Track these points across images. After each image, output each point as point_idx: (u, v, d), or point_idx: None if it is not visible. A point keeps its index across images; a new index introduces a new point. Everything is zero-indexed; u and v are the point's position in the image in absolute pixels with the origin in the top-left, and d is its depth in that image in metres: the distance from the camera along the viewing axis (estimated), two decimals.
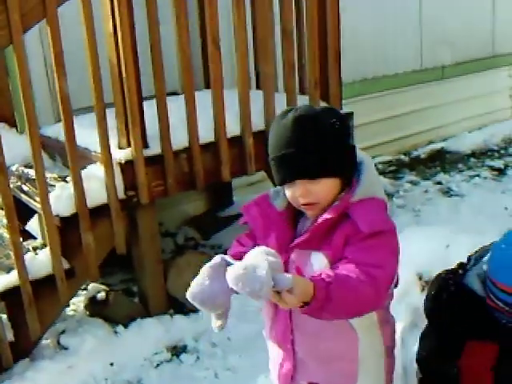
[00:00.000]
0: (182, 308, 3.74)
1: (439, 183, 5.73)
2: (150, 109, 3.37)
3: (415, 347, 2.69)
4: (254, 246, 1.85)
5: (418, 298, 2.84)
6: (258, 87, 4.29)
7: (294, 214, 1.88)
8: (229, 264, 1.63)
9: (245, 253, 1.69)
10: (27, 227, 3.79)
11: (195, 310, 3.73)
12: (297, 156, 1.72)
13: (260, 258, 1.55)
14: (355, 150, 1.83)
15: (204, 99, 3.57)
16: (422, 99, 6.55)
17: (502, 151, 6.63)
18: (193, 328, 3.62)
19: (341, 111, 1.77)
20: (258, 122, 3.76)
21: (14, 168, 3.95)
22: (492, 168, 6.06)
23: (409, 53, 6.44)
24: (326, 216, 1.75)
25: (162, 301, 3.71)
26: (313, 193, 1.77)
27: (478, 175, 5.86)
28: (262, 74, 3.86)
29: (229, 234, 4.55)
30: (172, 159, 3.45)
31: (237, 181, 4.87)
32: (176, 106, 3.49)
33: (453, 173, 5.98)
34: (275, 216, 1.86)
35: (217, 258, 1.69)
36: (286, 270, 1.78)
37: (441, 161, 6.38)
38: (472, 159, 6.38)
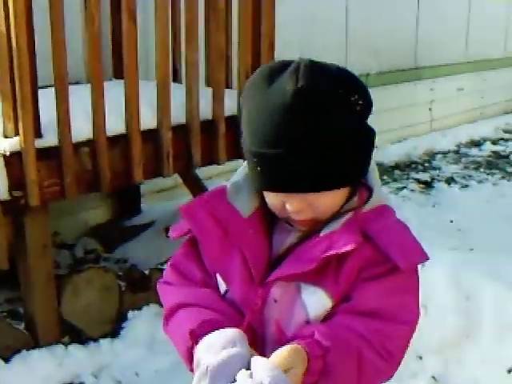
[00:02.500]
0: (79, 336, 3.15)
1: None
2: (47, 99, 2.75)
3: None
4: (204, 280, 1.28)
5: None
6: (175, 81, 3.74)
7: (267, 220, 1.27)
8: None
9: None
10: None
11: (95, 339, 3.12)
12: (298, 160, 1.11)
13: None
14: (374, 136, 1.24)
15: (113, 90, 3.03)
16: None
17: (426, 164, 6.44)
18: (92, 361, 3.05)
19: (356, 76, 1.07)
20: (177, 115, 3.19)
21: None
22: (418, 181, 5.77)
23: (333, 58, 6.06)
24: (345, 244, 1.14)
25: (54, 327, 3.07)
26: (314, 208, 1.19)
27: (405, 187, 5.54)
28: (185, 61, 3.27)
29: (136, 246, 4.10)
30: (71, 153, 2.82)
31: (145, 186, 4.37)
32: (79, 96, 2.93)
33: None
34: (239, 226, 1.23)
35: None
36: (261, 314, 1.22)
37: None
38: (396, 171, 6.10)
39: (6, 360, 2.89)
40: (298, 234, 1.24)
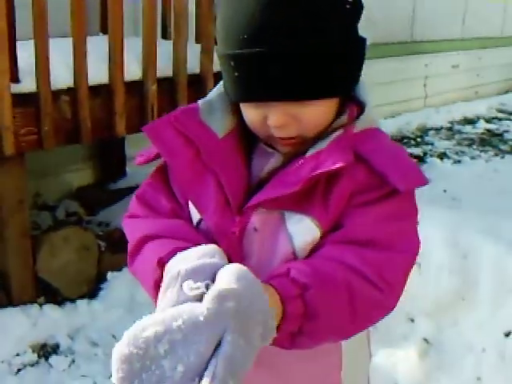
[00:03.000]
0: (55, 296, 3.01)
1: None
2: (29, 50, 2.61)
3: None
4: (175, 211, 1.12)
5: None
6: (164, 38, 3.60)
7: (244, 143, 1.12)
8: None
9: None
10: None
11: (72, 299, 2.98)
12: (279, 60, 0.97)
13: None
14: (366, 46, 1.08)
15: (99, 44, 2.89)
16: None
17: (419, 139, 6.31)
18: (68, 322, 2.92)
19: None
20: (164, 69, 3.04)
21: None
22: (411, 155, 5.63)
23: None
24: (333, 163, 1.00)
25: (29, 286, 2.93)
26: (298, 122, 1.04)
27: None
28: (174, 12, 3.11)
29: (119, 210, 3.88)
30: (50, 100, 2.66)
31: (130, 150, 4.22)
32: (62, 48, 2.77)
33: None
34: (213, 147, 1.08)
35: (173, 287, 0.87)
36: (240, 245, 1.06)
37: None
38: None
39: None
40: (280, 158, 1.09)
